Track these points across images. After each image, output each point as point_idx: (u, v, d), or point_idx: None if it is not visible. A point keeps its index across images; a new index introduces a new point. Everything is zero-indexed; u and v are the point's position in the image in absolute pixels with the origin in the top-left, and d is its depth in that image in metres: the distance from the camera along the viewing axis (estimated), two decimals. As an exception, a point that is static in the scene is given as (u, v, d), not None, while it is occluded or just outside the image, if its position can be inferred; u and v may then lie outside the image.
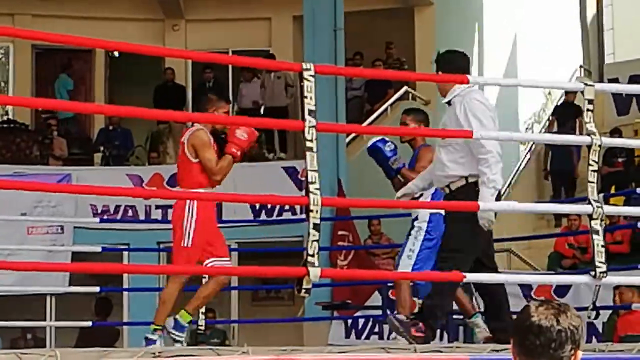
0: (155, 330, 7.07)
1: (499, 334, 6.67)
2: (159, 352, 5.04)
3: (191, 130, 7.34)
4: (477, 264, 6.58)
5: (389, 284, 11.41)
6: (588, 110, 5.92)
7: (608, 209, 5.85)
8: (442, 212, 7.52)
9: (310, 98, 5.31)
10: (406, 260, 7.66)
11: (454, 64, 6.72)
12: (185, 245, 7.14)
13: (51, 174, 14.96)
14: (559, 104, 18.74)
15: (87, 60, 18.50)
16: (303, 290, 5.37)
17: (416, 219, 7.79)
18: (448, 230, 6.70)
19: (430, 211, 7.65)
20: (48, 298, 14.79)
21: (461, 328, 10.08)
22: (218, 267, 7.27)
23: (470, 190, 6.51)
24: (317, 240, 5.30)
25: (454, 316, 9.91)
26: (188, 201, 7.20)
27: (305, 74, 5.35)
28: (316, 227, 5.29)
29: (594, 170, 5.83)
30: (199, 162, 7.25)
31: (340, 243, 14.24)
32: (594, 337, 10.25)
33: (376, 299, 11.89)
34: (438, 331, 10.58)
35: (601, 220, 5.78)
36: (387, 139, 8.23)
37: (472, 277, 6.15)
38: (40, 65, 18.43)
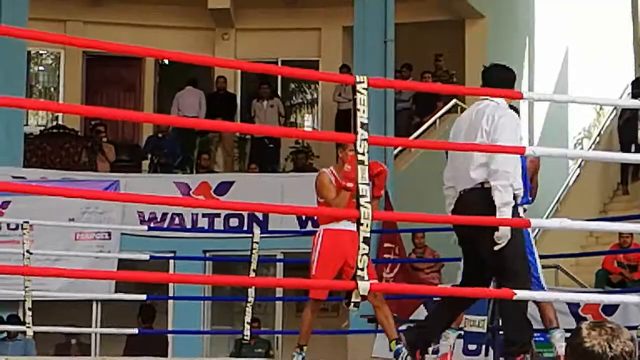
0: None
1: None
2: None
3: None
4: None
5: (435, 299, 11.34)
6: (643, 127, 5.85)
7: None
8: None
9: (363, 111, 5.27)
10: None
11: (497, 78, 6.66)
12: (312, 273, 7.90)
13: (99, 180, 15.03)
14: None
15: (137, 68, 18.60)
16: (352, 304, 5.34)
17: None
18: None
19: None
20: (94, 304, 14.83)
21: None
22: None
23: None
24: (367, 254, 5.27)
25: (501, 332, 9.83)
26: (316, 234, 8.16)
27: (359, 87, 5.31)
28: (366, 240, 5.25)
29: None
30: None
31: (386, 255, 14.17)
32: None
33: (421, 312, 11.83)
34: (483, 347, 10.56)
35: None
36: None
37: (522, 294, 6.06)
38: (91, 72, 18.56)
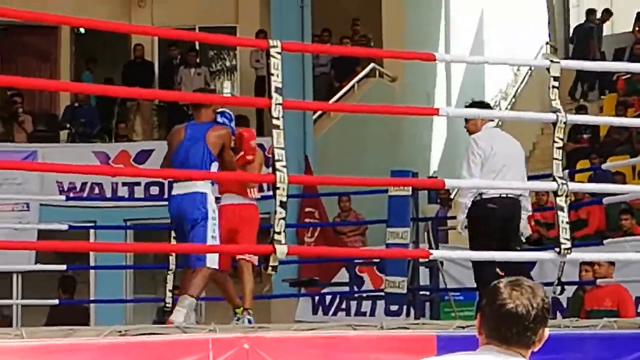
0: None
1: None
2: (125, 330, 5.03)
3: None
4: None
5: (356, 261, 11.43)
6: (553, 87, 5.96)
7: (573, 186, 5.89)
8: None
9: (277, 75, 5.32)
10: None
11: None
12: None
13: (17, 151, 14.86)
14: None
15: (53, 37, 18.34)
16: (270, 268, 5.40)
17: None
18: None
19: None
20: (14, 276, 14.71)
21: (427, 304, 10.12)
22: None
23: None
24: (283, 218, 5.32)
25: (421, 292, 9.96)
26: None
27: (272, 51, 5.35)
28: (283, 204, 5.30)
29: (559, 147, 5.87)
30: None
31: (307, 220, 14.25)
32: (558, 313, 10.32)
33: (343, 275, 11.92)
34: (404, 307, 10.69)
35: (566, 196, 5.83)
36: None
37: (438, 253, 6.19)
38: (5, 41, 18.25)
